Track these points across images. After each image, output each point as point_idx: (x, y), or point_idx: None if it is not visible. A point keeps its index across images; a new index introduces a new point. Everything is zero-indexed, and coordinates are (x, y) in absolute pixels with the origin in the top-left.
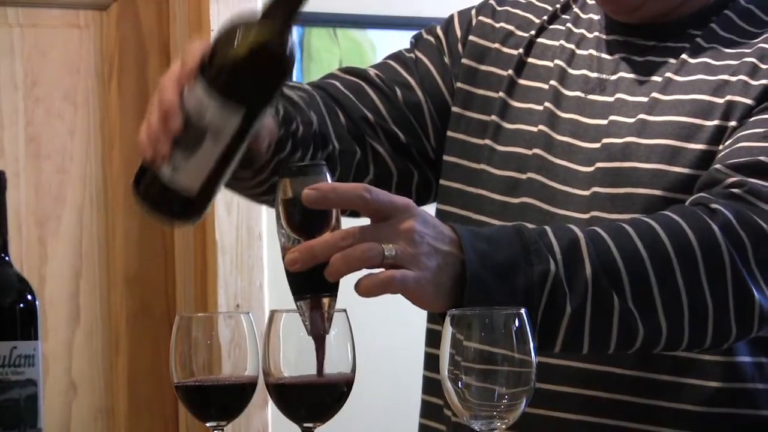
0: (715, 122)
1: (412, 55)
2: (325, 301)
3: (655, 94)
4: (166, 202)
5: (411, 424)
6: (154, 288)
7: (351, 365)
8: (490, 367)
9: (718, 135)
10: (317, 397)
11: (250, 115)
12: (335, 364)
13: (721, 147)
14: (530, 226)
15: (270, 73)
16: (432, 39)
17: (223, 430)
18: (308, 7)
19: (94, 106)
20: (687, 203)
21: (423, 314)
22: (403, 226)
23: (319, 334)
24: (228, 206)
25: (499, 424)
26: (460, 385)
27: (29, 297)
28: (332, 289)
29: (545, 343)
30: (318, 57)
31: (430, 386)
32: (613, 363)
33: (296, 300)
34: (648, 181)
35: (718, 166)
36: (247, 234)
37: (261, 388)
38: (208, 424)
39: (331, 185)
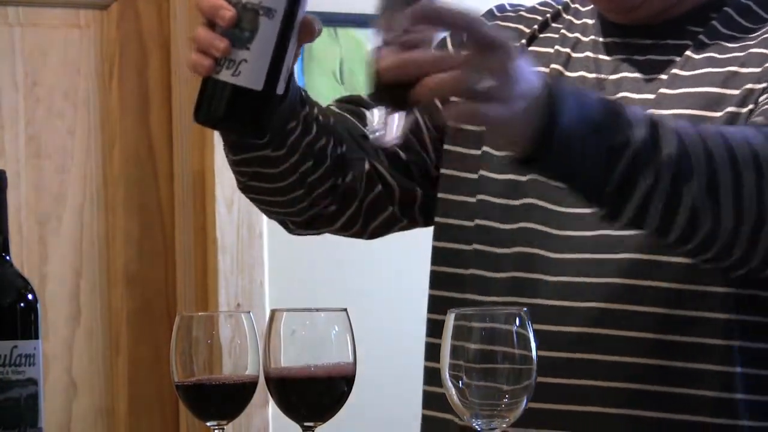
0: (728, 110)
1: None
2: (402, 114)
3: (661, 90)
4: (234, 107)
5: (413, 425)
6: (155, 287)
7: (352, 363)
8: (491, 366)
9: (731, 123)
10: (318, 394)
11: None
12: (337, 361)
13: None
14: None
15: None
16: None
17: (223, 429)
18: (308, 7)
19: (95, 105)
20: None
21: (424, 316)
22: (500, 61)
23: (387, 144)
24: (228, 205)
25: (499, 422)
26: (460, 384)
27: (30, 296)
28: (413, 106)
29: (613, 212)
30: (319, 56)
31: (430, 401)
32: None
33: (373, 102)
34: None
35: (756, 119)
36: (248, 233)
37: (261, 388)
38: (208, 424)
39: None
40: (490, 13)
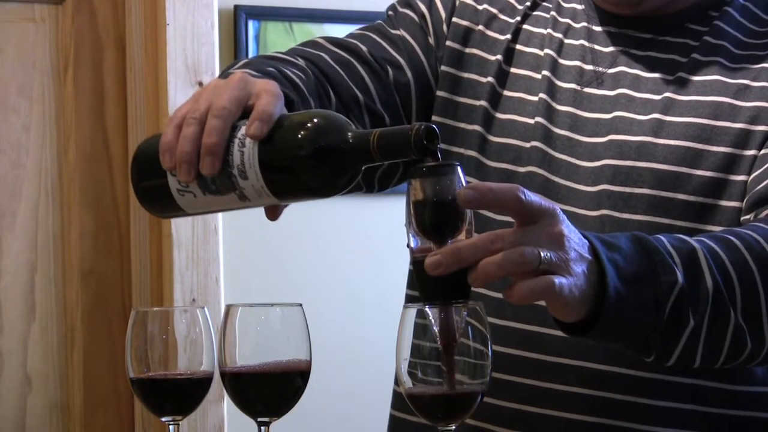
0: (740, 125)
1: (398, 32)
2: (459, 306)
3: (669, 94)
4: (158, 203)
5: (371, 420)
6: (110, 282)
7: (307, 359)
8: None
9: (743, 138)
10: (273, 389)
11: (283, 201)
12: (292, 357)
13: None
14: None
15: (321, 192)
16: (414, 16)
17: (178, 424)
18: (264, 2)
19: (50, 100)
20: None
21: (384, 310)
22: (553, 231)
23: (451, 342)
24: None
25: None
26: (417, 378)
27: None
28: (468, 294)
29: (662, 355)
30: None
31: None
32: (626, 365)
33: (427, 305)
34: (670, 183)
35: None
36: (203, 228)
37: (217, 383)
38: (163, 419)
39: (487, 185)
40: None
